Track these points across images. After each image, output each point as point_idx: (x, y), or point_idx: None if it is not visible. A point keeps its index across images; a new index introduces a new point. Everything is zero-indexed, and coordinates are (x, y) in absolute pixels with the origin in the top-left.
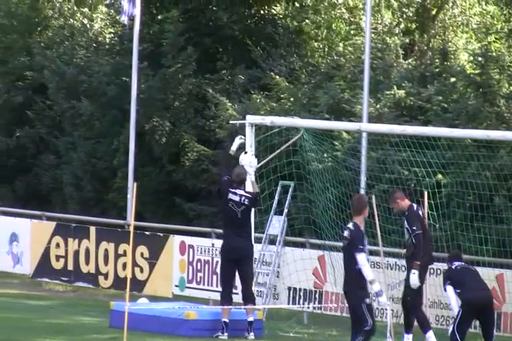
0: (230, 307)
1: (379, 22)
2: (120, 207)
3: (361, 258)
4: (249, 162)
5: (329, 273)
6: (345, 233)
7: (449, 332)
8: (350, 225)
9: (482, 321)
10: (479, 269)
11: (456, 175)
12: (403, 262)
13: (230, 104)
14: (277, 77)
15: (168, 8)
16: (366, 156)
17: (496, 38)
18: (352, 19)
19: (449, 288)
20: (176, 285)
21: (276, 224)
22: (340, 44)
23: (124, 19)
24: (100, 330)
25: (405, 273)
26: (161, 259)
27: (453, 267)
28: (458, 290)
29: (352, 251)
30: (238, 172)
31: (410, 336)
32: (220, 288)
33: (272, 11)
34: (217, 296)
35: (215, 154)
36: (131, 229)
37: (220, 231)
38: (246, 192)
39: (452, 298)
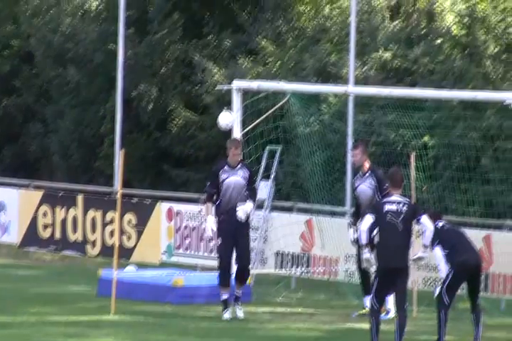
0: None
1: None
2: (107, 174)
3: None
4: (229, 122)
5: (317, 237)
6: (400, 207)
7: (435, 294)
8: (401, 198)
9: (471, 283)
10: (467, 231)
11: (443, 136)
12: None
13: (216, 69)
14: (264, 41)
15: None
16: (353, 119)
17: None
18: None
19: (438, 249)
20: (164, 252)
21: (264, 189)
22: (327, 7)
23: None
24: (89, 299)
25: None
26: (149, 226)
27: (439, 227)
28: (446, 251)
29: (410, 225)
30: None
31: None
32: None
33: None
34: (204, 262)
35: (202, 120)
36: (119, 196)
37: None
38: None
39: (441, 260)
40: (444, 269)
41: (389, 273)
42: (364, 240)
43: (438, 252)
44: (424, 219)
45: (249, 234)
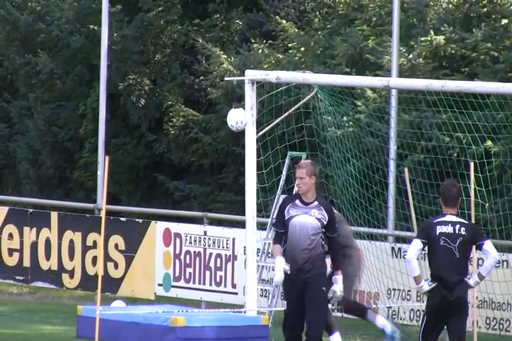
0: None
1: None
2: (88, 187)
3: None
4: (240, 121)
5: None
6: (457, 229)
7: None
8: (457, 218)
9: None
10: None
11: (510, 141)
12: None
13: (224, 56)
14: (284, 21)
15: None
16: (396, 119)
17: None
18: None
19: None
20: (160, 284)
21: None
22: None
23: None
24: None
25: None
26: (141, 252)
27: None
28: None
29: (469, 251)
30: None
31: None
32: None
33: None
34: (210, 297)
35: (207, 119)
36: (103, 214)
37: (215, 215)
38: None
39: None
40: None
41: (442, 310)
42: (416, 271)
43: None
44: (489, 244)
45: (325, 300)
